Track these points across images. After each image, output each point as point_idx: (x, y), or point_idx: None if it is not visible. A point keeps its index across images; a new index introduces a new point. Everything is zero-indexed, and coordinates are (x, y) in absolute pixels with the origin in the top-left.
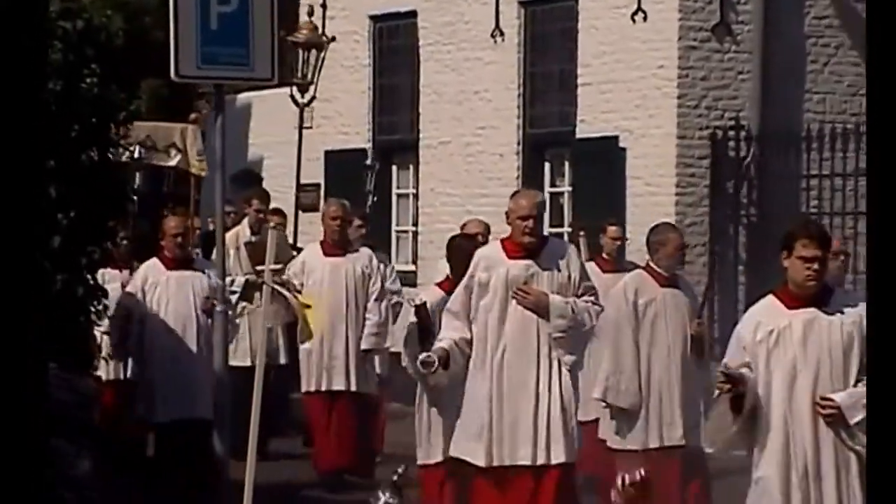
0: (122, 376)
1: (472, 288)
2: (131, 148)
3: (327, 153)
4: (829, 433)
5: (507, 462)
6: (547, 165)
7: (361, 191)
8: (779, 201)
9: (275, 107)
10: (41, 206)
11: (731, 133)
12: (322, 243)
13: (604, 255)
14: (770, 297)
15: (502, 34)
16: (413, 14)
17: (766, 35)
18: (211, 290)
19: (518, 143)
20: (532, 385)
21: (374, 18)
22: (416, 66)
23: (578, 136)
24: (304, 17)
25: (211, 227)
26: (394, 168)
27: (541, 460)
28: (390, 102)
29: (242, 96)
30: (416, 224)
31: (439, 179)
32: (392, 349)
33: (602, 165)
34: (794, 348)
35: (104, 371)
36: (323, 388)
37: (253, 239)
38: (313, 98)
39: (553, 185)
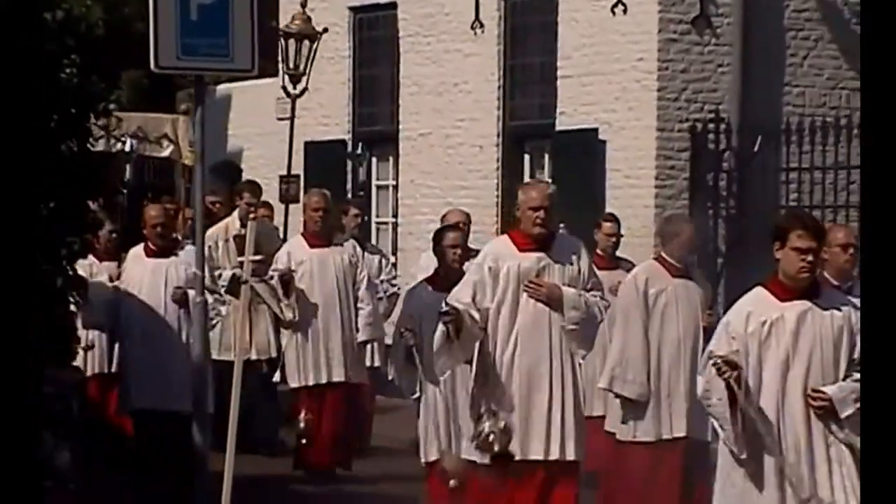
0: (106, 369)
1: (483, 281)
2: (123, 139)
3: (307, 144)
4: (820, 425)
5: (517, 457)
6: (527, 157)
7: (341, 181)
8: (758, 194)
9: (254, 98)
10: (38, 205)
11: (711, 126)
12: (304, 235)
13: (598, 252)
14: (759, 290)
15: (482, 26)
16: (393, 5)
17: (746, 28)
18: (187, 281)
19: (498, 136)
20: (546, 379)
21: (353, 10)
22: (396, 58)
23: (558, 128)
24: (292, 9)
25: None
26: (373, 160)
27: (554, 455)
28: (370, 94)
29: (222, 87)
30: (395, 216)
31: (419, 171)
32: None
33: (582, 158)
34: (786, 340)
35: (90, 364)
36: (317, 382)
37: (243, 231)
38: (305, 89)
39: (532, 177)
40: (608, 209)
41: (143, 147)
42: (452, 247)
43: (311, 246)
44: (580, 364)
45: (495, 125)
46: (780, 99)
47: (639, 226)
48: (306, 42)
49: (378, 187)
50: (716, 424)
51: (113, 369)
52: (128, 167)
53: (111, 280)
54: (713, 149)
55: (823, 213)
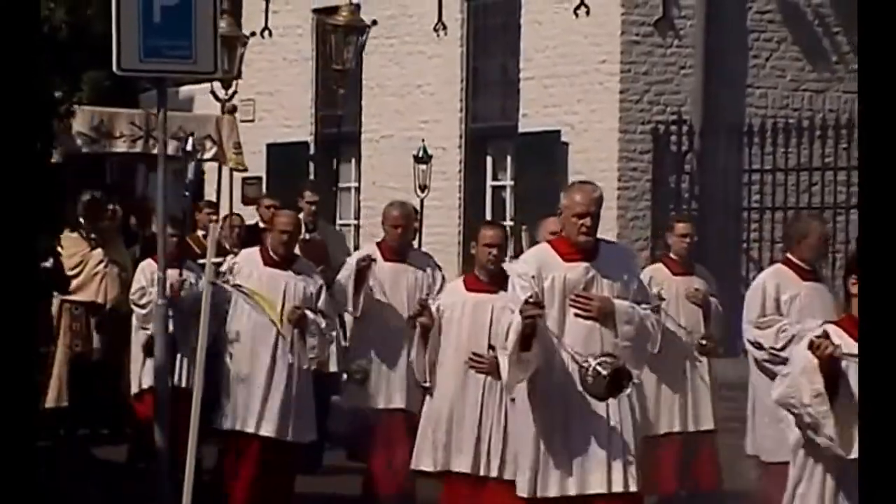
0: (168, 382)
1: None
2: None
3: (269, 146)
4: None
5: (571, 492)
6: (489, 159)
7: (302, 183)
8: (720, 196)
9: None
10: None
11: (673, 127)
12: (380, 244)
13: (671, 256)
14: (829, 327)
15: (445, 28)
16: (356, 8)
17: (709, 30)
18: (305, 300)
19: (460, 137)
20: (601, 404)
21: (316, 12)
22: (359, 60)
23: (521, 130)
24: (256, 11)
25: (255, 220)
26: (335, 161)
27: (618, 487)
28: (333, 96)
29: (185, 89)
30: (358, 218)
31: (382, 173)
32: None
33: (544, 160)
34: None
35: (146, 374)
36: (376, 406)
37: (307, 236)
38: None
39: (495, 179)
40: None
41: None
42: (489, 245)
43: (386, 260)
44: (635, 384)
45: (458, 127)
46: (742, 101)
47: (601, 228)
48: (353, 35)
49: (340, 189)
50: (807, 434)
51: (176, 382)
52: (190, 168)
53: (172, 287)
54: (675, 151)
55: (786, 214)
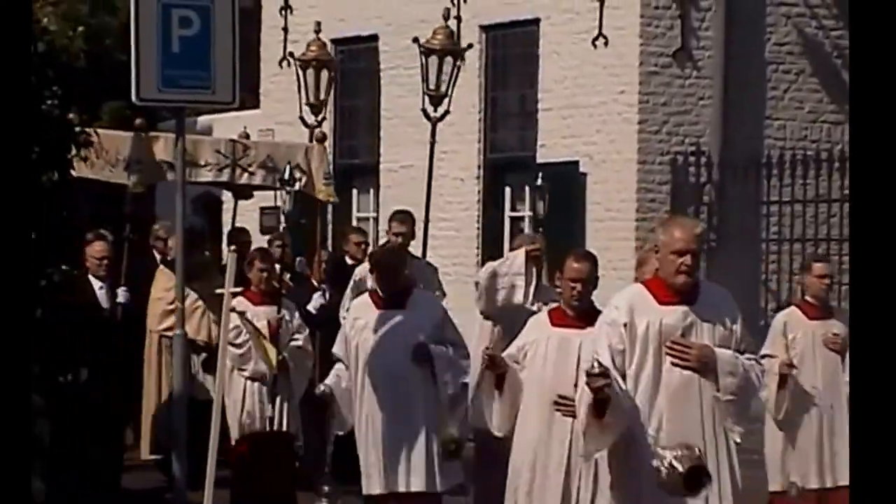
0: (267, 426)
1: (619, 344)
2: (250, 169)
3: None
4: None
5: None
6: (507, 190)
7: (323, 214)
8: (738, 227)
9: (235, 129)
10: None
11: (692, 159)
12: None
13: (808, 299)
14: None
15: (463, 59)
16: (374, 38)
17: (727, 61)
18: (428, 337)
19: (479, 168)
20: None
21: (334, 42)
22: (377, 90)
23: (539, 160)
24: (275, 42)
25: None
26: (354, 192)
27: None
28: (351, 126)
29: (203, 118)
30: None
31: (400, 203)
32: None
33: (562, 191)
34: None
35: (244, 421)
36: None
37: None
38: (447, 112)
39: (513, 209)
40: (588, 242)
41: (271, 178)
42: (573, 280)
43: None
44: (737, 443)
45: (476, 157)
46: (760, 132)
47: (619, 259)
48: (448, 59)
49: (358, 219)
50: None
51: (274, 427)
52: (288, 198)
53: (269, 326)
54: (694, 182)
55: (804, 245)
